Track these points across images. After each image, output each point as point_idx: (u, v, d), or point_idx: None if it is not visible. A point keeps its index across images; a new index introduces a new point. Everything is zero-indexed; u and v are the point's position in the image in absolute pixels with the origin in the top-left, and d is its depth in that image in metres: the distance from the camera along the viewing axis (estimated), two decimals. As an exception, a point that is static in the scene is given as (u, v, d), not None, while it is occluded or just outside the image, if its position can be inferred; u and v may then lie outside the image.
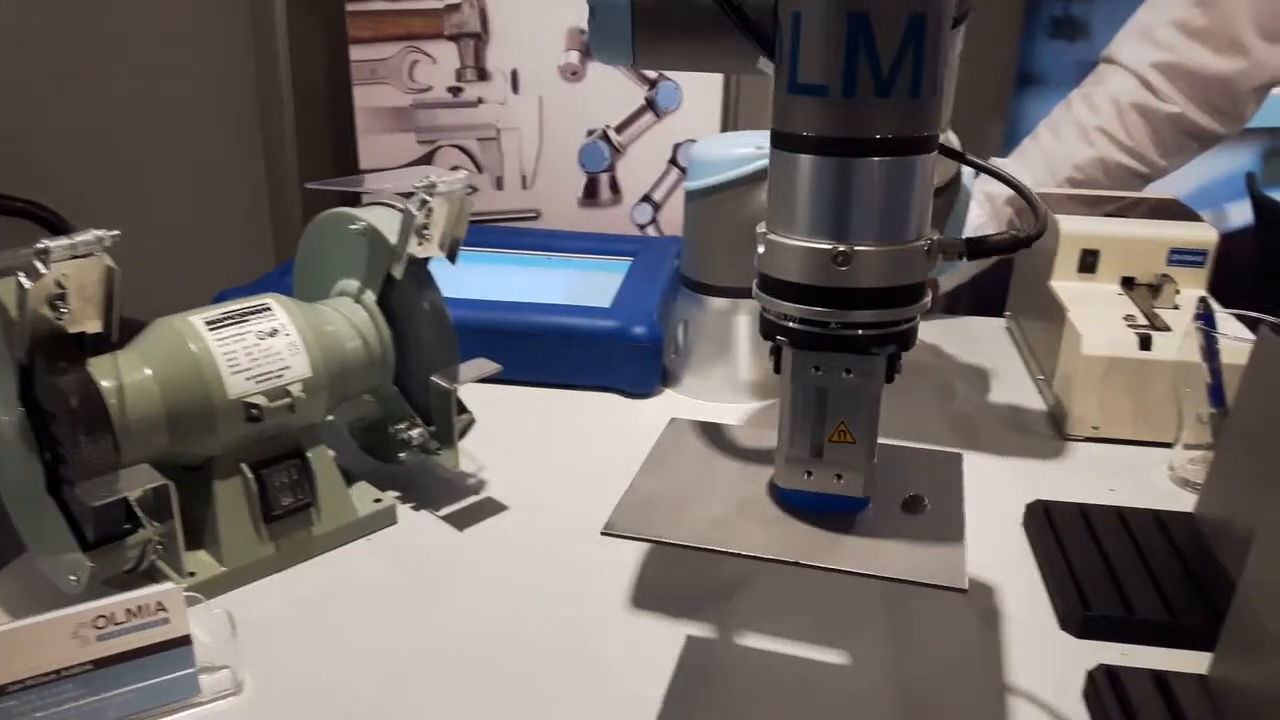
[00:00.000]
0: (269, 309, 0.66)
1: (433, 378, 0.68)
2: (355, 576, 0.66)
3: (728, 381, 0.91)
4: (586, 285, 1.03)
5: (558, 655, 0.59)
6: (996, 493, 0.76)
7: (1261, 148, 2.23)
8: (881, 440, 0.50)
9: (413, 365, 0.71)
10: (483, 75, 2.15)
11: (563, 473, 0.79)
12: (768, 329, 0.48)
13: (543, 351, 0.91)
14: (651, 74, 2.11)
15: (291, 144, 2.37)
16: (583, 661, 0.59)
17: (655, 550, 0.69)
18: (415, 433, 0.71)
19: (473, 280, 1.06)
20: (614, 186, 2.15)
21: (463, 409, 0.72)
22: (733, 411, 0.89)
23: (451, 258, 0.70)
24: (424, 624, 0.62)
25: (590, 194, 2.17)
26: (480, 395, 0.77)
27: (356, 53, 2.16)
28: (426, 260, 0.70)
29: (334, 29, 2.22)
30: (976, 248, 0.48)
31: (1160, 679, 0.56)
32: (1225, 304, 0.78)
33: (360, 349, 0.70)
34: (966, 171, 0.76)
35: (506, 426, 0.85)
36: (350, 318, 0.70)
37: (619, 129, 2.09)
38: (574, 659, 0.59)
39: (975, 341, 1.05)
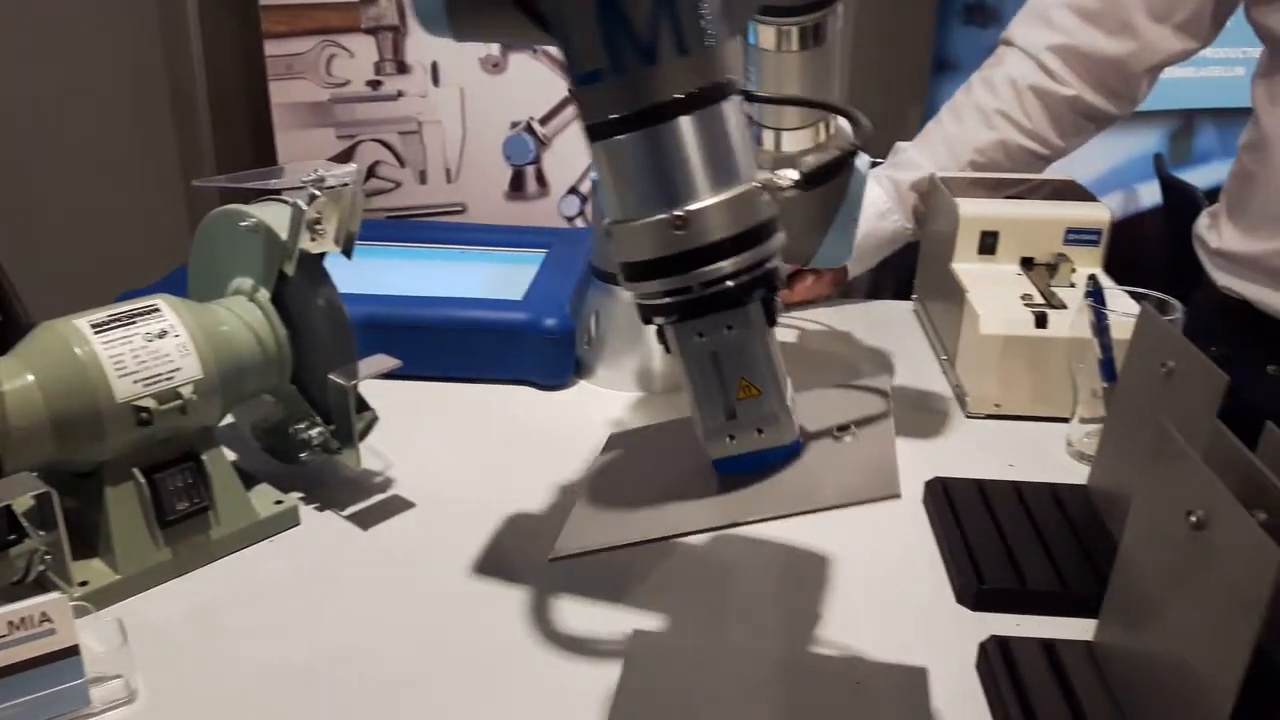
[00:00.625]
0: (158, 310, 0.65)
1: (330, 375, 0.67)
2: (256, 580, 0.65)
3: (640, 370, 0.91)
4: (501, 278, 1.02)
5: (466, 655, 0.59)
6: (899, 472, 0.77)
7: (1168, 129, 2.29)
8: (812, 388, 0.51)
9: (310, 363, 0.70)
10: (402, 68, 2.13)
11: (473, 468, 0.79)
12: (644, 315, 0.48)
13: (455, 346, 0.91)
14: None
15: (208, 141, 2.33)
16: (492, 660, 0.59)
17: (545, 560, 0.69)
18: (315, 432, 0.70)
19: (387, 275, 1.05)
20: (540, 179, 2.14)
21: (364, 406, 0.72)
22: (647, 400, 0.90)
23: (347, 252, 0.69)
24: (327, 627, 0.61)
25: (516, 187, 2.15)
26: (389, 391, 0.76)
27: (271, 47, 2.12)
28: (321, 256, 0.69)
29: (248, 24, 2.18)
30: (812, 175, 0.48)
31: (1049, 647, 0.57)
32: (1136, 282, 0.80)
33: (255, 348, 0.68)
34: (863, 158, 0.77)
35: (416, 423, 0.84)
36: (244, 317, 0.69)
37: (543, 121, 2.08)
38: (482, 658, 0.59)
39: (883, 325, 1.06)
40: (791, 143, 0.73)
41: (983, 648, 0.58)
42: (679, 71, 0.43)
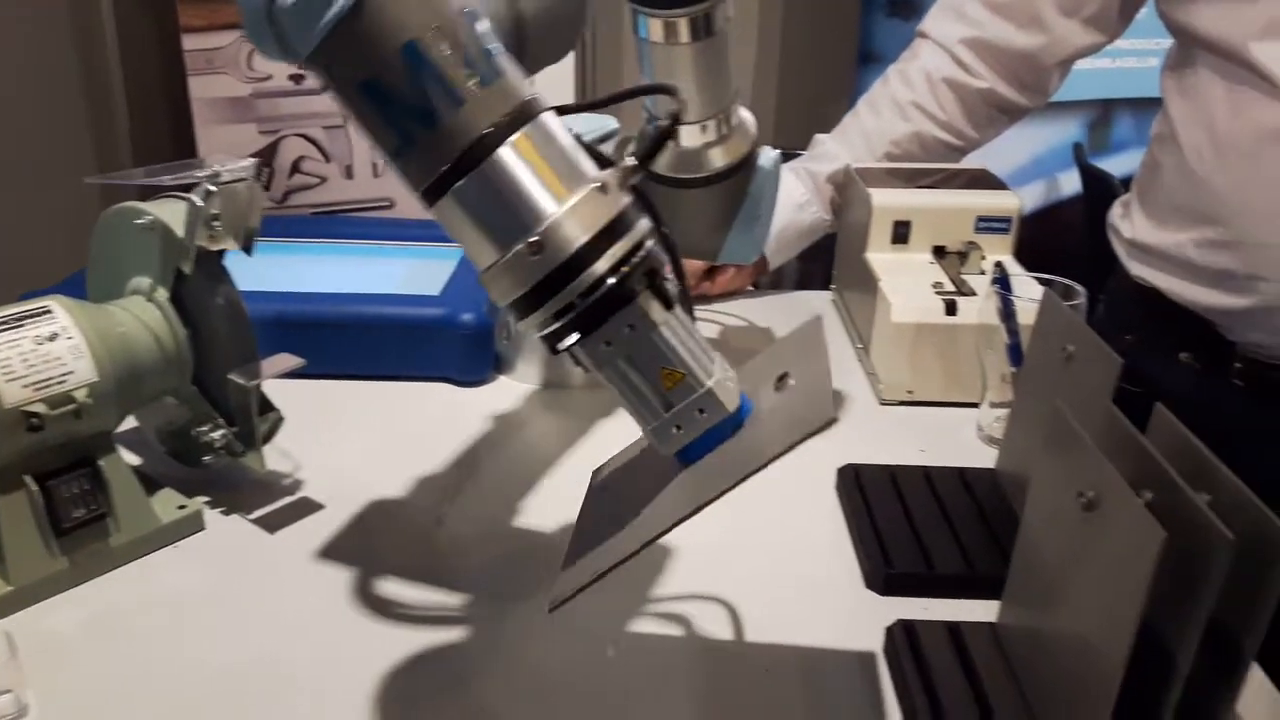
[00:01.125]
0: (49, 312, 0.63)
1: (230, 375, 0.66)
2: (158, 587, 0.64)
3: (560, 365, 0.91)
4: (420, 274, 1.01)
5: (375, 659, 0.58)
6: (812, 460, 0.77)
7: (1087, 119, 2.35)
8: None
9: (212, 364, 0.68)
10: (326, 62, 2.09)
11: (387, 467, 0.77)
12: (549, 346, 0.47)
13: (370, 343, 0.89)
14: None
15: (125, 138, 2.26)
16: (403, 663, 0.58)
17: (477, 552, 0.69)
18: (218, 435, 0.68)
19: (301, 272, 1.03)
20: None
21: (269, 407, 0.70)
22: (567, 395, 0.89)
23: (247, 249, 0.67)
24: (231, 634, 0.60)
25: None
26: (301, 391, 0.75)
27: (190, 42, 2.08)
28: (220, 254, 0.67)
29: (165, 18, 2.13)
30: (645, 152, 0.47)
31: (954, 630, 0.58)
32: (1057, 269, 0.82)
33: (153, 350, 0.67)
34: (769, 153, 0.77)
35: (329, 422, 0.83)
36: (141, 317, 0.67)
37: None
38: (392, 662, 0.58)
39: (802, 315, 1.05)
40: (690, 138, 0.73)
41: (889, 632, 0.59)
42: (483, 107, 0.43)
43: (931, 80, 1.06)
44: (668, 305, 0.47)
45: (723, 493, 0.46)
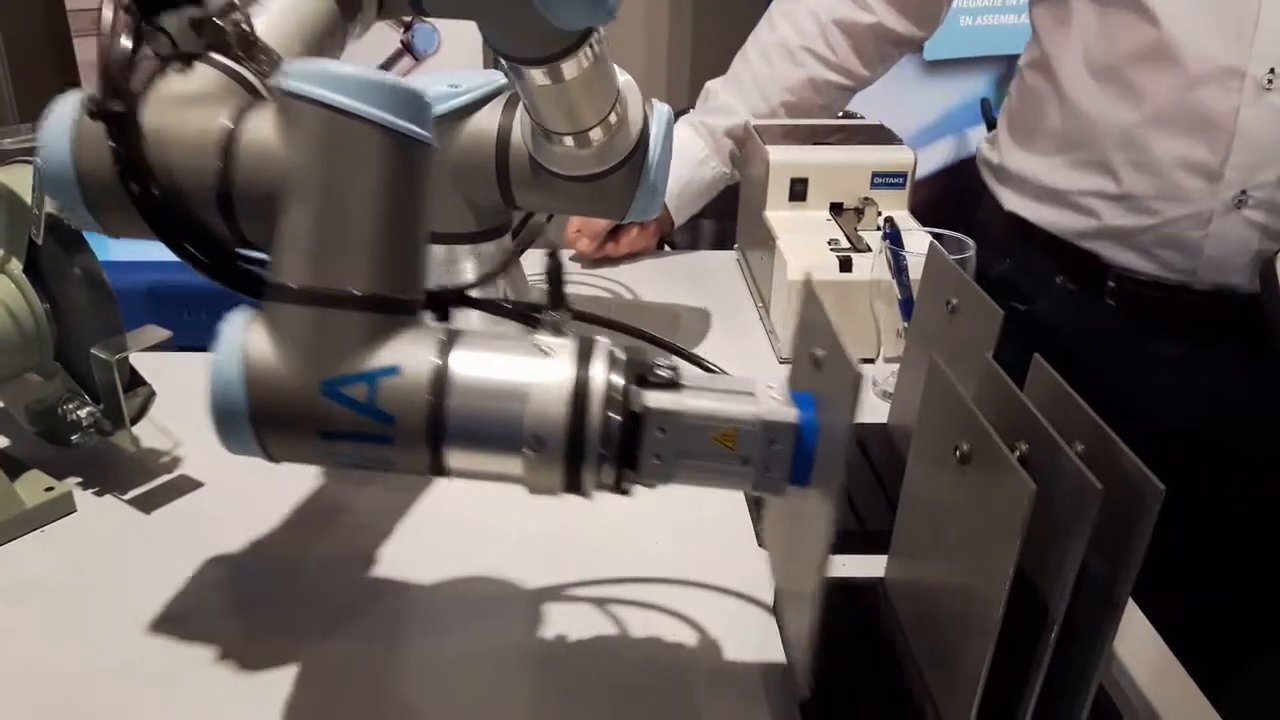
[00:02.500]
0: (-112, 287, 0.59)
1: (92, 350, 0.62)
2: (21, 575, 0.61)
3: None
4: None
5: (255, 647, 0.56)
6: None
7: (994, 75, 2.37)
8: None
9: (74, 339, 0.65)
10: (220, 22, 2.01)
11: (271, 440, 0.75)
12: (622, 493, 0.47)
13: (255, 313, 0.86)
14: (405, 15, 2.02)
15: (9, 103, 2.15)
16: (279, 654, 0.56)
17: (355, 539, 0.67)
18: (84, 412, 0.65)
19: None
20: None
21: (139, 382, 0.67)
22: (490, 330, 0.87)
23: (104, 217, 0.63)
24: (101, 623, 0.57)
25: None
26: (181, 365, 0.71)
27: (73, 2, 1.97)
28: (77, 222, 0.63)
29: (46, -23, 2.02)
30: (555, 300, 0.48)
31: (845, 588, 0.58)
32: (967, 224, 0.82)
33: (8, 325, 0.63)
34: (660, 109, 0.75)
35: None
36: (-7, 291, 0.63)
37: (377, 75, 2.00)
38: (272, 651, 0.56)
39: (706, 274, 1.06)
40: (590, 142, 0.71)
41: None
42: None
43: (820, 22, 1.05)
44: (673, 385, 0.46)
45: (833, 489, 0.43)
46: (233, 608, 0.59)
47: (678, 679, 0.54)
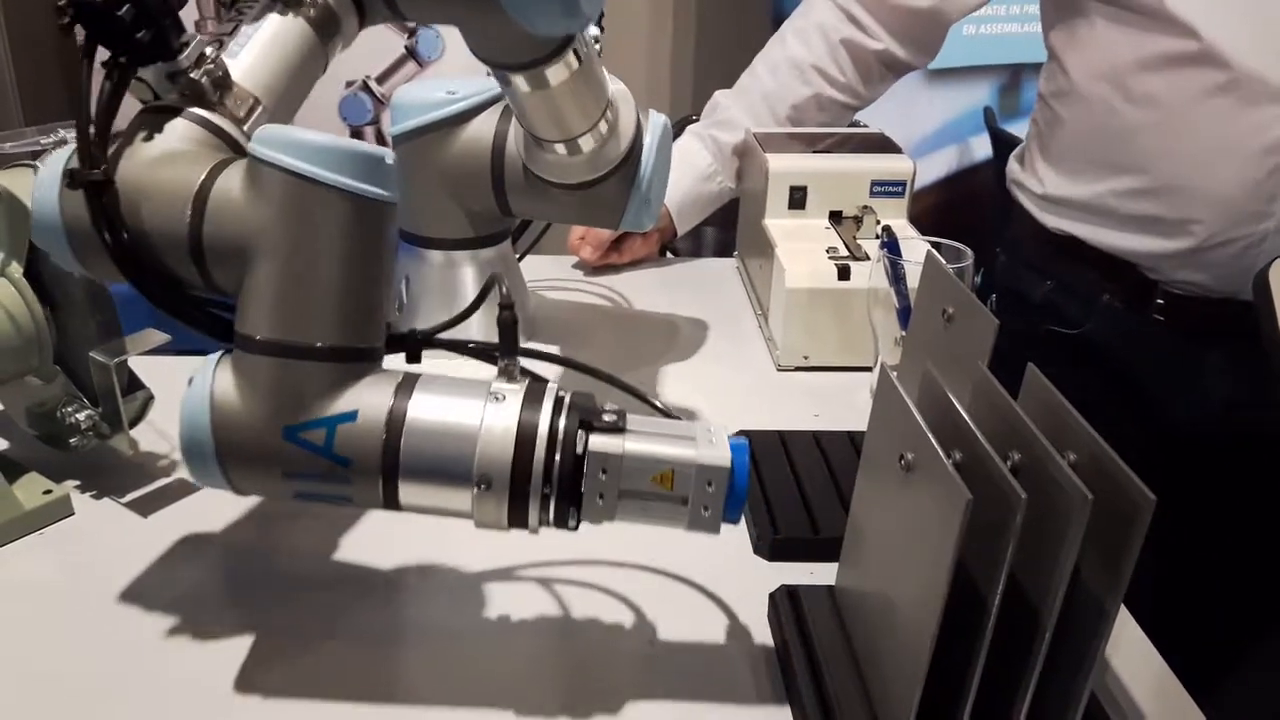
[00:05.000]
0: (-111, 290, 0.59)
1: (91, 354, 0.63)
2: (18, 578, 0.61)
3: (454, 335, 0.88)
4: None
5: (252, 650, 0.56)
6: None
7: (997, 84, 2.37)
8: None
9: (73, 342, 0.65)
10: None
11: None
12: (567, 527, 0.51)
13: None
14: (384, 21, 2.03)
15: (13, 96, 2.16)
16: (282, 653, 0.56)
17: (354, 541, 0.67)
18: (83, 416, 0.65)
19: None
20: (381, 140, 2.06)
21: (137, 385, 0.67)
22: (462, 367, 0.87)
23: (105, 221, 0.64)
24: (97, 626, 0.57)
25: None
26: (180, 368, 0.72)
27: (78, 5, 1.98)
28: (78, 226, 0.64)
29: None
30: (508, 349, 0.51)
31: (835, 594, 0.58)
32: (969, 232, 0.82)
33: (8, 327, 0.63)
34: (656, 119, 0.75)
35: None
36: (-6, 294, 0.63)
37: (380, 79, 2.00)
38: (269, 652, 0.56)
39: (706, 282, 1.06)
40: (580, 149, 0.71)
41: (772, 598, 0.59)
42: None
43: (830, 42, 1.06)
44: (616, 429, 0.49)
45: None
46: (230, 611, 0.59)
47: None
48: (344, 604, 0.59)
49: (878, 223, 0.91)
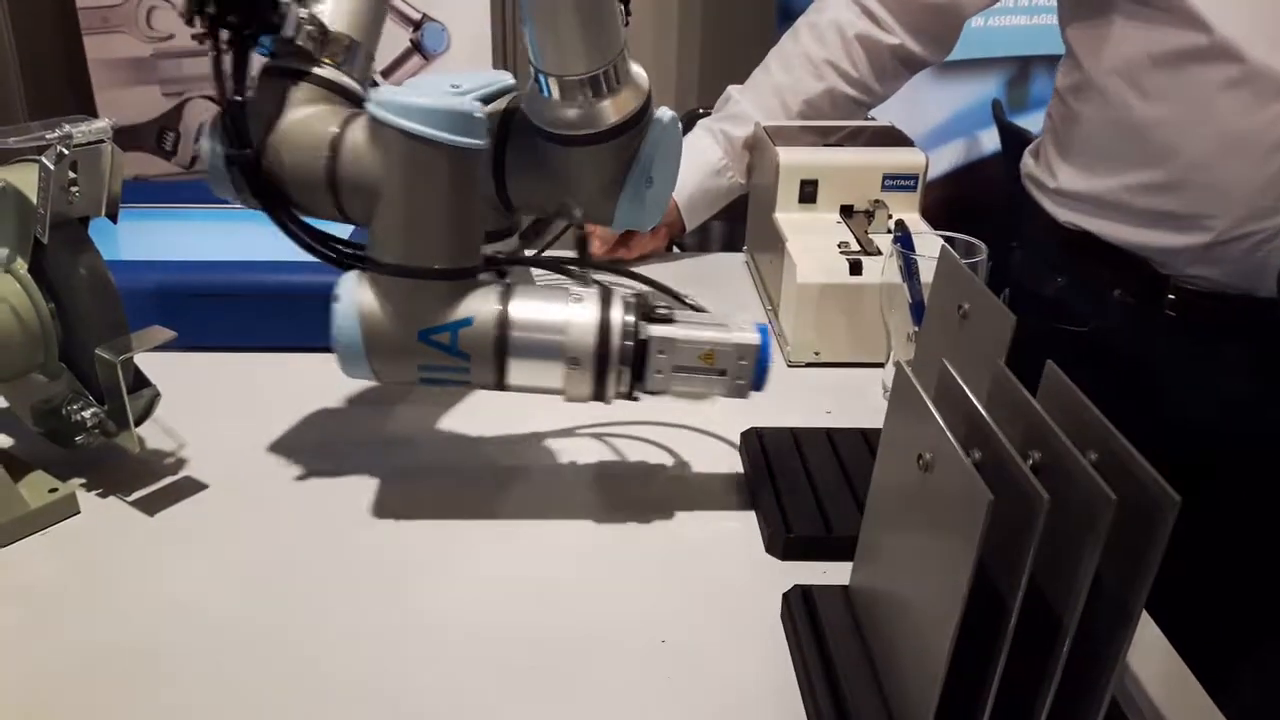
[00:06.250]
0: (-108, 286, 0.59)
1: (96, 351, 0.62)
2: (23, 577, 0.60)
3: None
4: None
5: (259, 649, 0.56)
6: (719, 423, 0.77)
7: (1006, 76, 2.36)
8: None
9: (79, 339, 0.65)
10: (230, 21, 2.01)
11: (278, 444, 0.74)
12: (630, 398, 0.63)
13: (263, 312, 0.85)
14: (415, 14, 2.02)
15: (18, 90, 2.15)
16: (291, 655, 0.56)
17: (359, 541, 0.66)
18: (89, 413, 0.65)
19: (192, 240, 0.99)
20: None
21: (143, 383, 0.66)
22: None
23: (111, 216, 0.63)
24: (102, 626, 0.57)
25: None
26: (187, 365, 0.72)
27: None
28: (83, 221, 0.63)
29: (55, -27, 2.02)
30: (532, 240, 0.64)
31: (849, 593, 0.58)
32: (978, 225, 0.81)
33: (13, 324, 0.63)
34: (664, 113, 0.74)
35: (216, 398, 0.79)
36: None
37: (385, 74, 1.99)
38: (278, 651, 0.56)
39: (715, 276, 1.06)
40: (578, 92, 0.69)
41: (785, 598, 0.58)
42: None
43: (845, 37, 1.05)
44: (669, 320, 0.62)
45: None
46: (237, 610, 0.58)
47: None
48: (351, 603, 0.59)
49: (889, 217, 0.90)
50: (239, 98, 0.58)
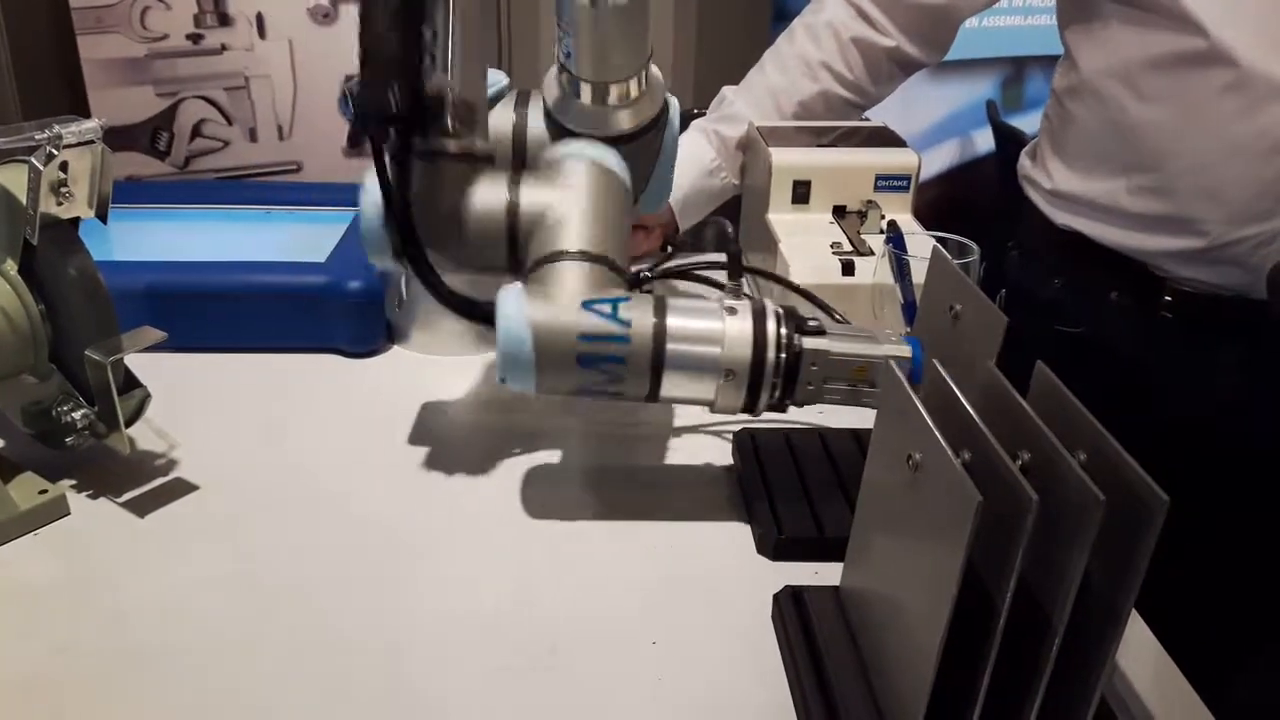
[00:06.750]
0: (-118, 287, 0.58)
1: (86, 352, 0.62)
2: (13, 579, 0.60)
3: (457, 333, 0.88)
4: (306, 240, 0.97)
5: (250, 651, 0.55)
6: (713, 426, 0.77)
7: (1000, 77, 2.36)
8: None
9: (69, 340, 0.64)
10: (224, 20, 2.01)
11: (268, 444, 0.74)
12: (779, 410, 0.64)
13: (251, 313, 0.85)
14: (409, 16, 2.02)
15: (11, 91, 2.15)
16: (283, 655, 0.55)
17: (352, 539, 0.66)
18: (79, 414, 0.64)
19: (178, 240, 0.99)
20: (381, 135, 2.04)
21: (134, 384, 0.66)
22: (464, 363, 0.87)
23: (101, 216, 0.63)
24: (93, 627, 0.57)
25: (355, 143, 2.06)
26: (177, 366, 0.71)
27: None
28: (74, 222, 0.63)
29: (48, -27, 2.02)
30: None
31: (839, 594, 0.57)
32: (972, 226, 0.81)
33: (2, 325, 0.62)
34: (672, 103, 0.75)
35: (206, 398, 0.79)
36: (-12, 291, 0.62)
37: (383, 75, 1.99)
38: (270, 653, 0.56)
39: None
40: (609, 98, 0.71)
41: (776, 599, 0.58)
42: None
43: (840, 39, 1.05)
44: (820, 332, 0.62)
45: None
46: (228, 611, 0.58)
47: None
48: (341, 603, 0.59)
49: (882, 217, 0.90)
50: (406, 202, 0.62)
